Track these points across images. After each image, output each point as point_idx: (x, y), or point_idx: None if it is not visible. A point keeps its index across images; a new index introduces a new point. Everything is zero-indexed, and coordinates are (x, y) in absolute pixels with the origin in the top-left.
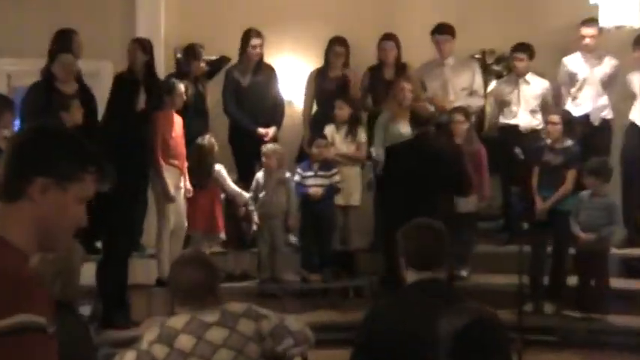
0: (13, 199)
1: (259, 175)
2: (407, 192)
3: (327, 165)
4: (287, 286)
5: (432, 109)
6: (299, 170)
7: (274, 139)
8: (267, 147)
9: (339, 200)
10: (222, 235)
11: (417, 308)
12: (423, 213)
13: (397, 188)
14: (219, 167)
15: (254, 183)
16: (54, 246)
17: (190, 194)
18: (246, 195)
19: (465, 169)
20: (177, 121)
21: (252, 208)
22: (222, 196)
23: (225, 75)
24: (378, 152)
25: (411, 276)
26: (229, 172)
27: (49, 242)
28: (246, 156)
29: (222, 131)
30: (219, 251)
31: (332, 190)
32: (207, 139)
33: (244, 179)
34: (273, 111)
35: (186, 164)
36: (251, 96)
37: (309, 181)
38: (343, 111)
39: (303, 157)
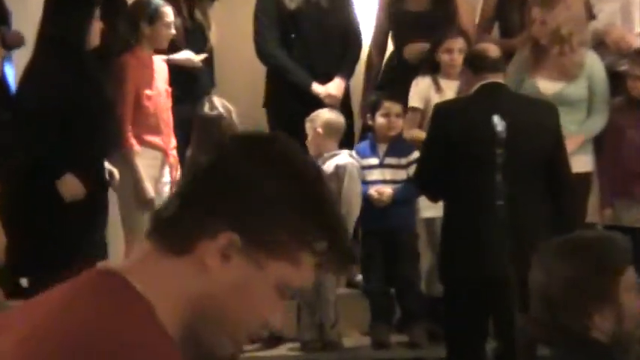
0: (176, 252)
1: None
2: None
3: (401, 146)
4: (349, 356)
5: (494, 49)
6: (354, 155)
7: (341, 100)
8: (314, 114)
9: (426, 211)
10: None
11: None
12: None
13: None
14: None
15: None
16: (210, 347)
17: None
18: None
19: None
20: (160, 69)
21: None
22: None
23: None
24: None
25: None
26: None
27: (204, 339)
28: (294, 129)
29: (233, 86)
30: None
31: (410, 190)
32: (219, 104)
33: None
34: (343, 50)
35: (173, 143)
36: (303, 28)
37: (371, 174)
38: (452, 56)
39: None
